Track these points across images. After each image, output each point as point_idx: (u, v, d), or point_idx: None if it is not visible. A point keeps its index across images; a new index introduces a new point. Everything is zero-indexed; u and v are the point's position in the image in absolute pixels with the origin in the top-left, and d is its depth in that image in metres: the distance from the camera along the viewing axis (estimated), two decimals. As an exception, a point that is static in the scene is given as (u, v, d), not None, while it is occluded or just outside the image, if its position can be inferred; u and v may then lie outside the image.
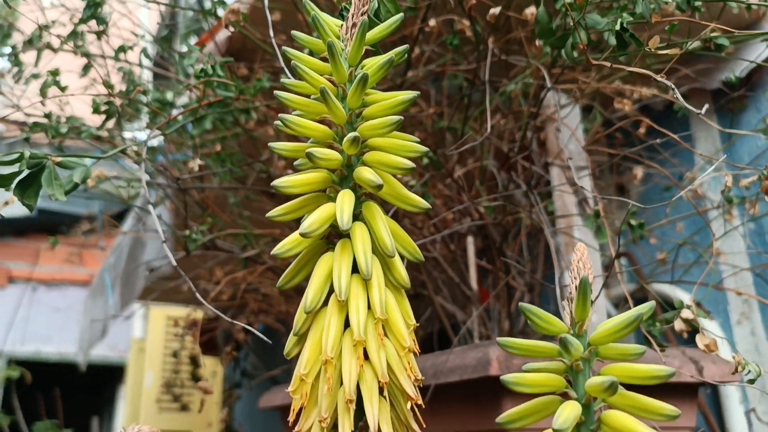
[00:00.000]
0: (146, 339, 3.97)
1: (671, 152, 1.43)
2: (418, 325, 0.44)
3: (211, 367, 3.37)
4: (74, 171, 0.66)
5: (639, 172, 1.26)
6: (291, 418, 0.43)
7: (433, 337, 1.49)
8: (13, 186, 0.57)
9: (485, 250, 1.30)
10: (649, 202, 1.50)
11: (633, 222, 0.90)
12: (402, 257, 0.46)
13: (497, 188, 1.18)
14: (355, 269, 0.44)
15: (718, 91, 1.42)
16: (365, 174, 0.44)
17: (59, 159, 0.65)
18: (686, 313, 0.76)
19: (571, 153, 1.09)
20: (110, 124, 1.03)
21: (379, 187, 0.43)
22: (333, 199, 0.45)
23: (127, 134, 1.28)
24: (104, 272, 2.27)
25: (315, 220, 0.43)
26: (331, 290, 0.44)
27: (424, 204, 0.46)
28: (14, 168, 0.59)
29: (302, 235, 0.43)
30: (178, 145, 1.39)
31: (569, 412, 0.38)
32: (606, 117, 1.35)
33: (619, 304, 1.48)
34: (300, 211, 0.45)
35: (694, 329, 0.78)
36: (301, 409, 0.43)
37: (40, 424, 3.42)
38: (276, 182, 0.45)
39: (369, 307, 0.43)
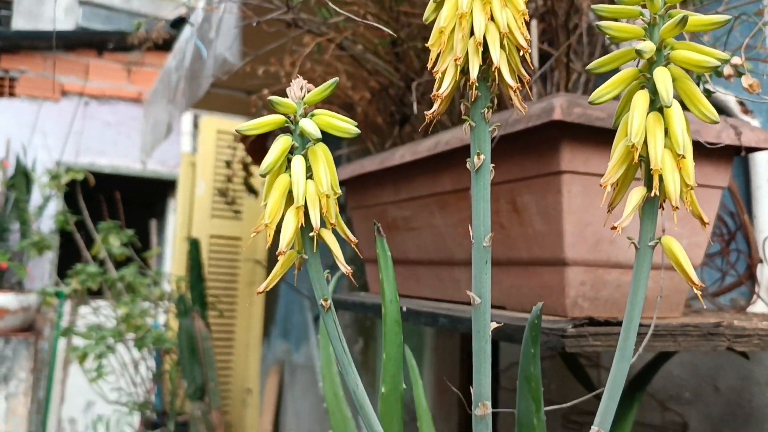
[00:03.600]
0: (197, 152, 4.18)
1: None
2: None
3: (262, 176, 3.57)
4: None
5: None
6: (429, 64, 0.57)
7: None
8: None
9: (547, 33, 1.40)
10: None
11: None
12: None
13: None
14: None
15: None
16: None
17: None
18: (735, 60, 0.88)
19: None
20: None
21: None
22: None
23: None
24: (193, 38, 2.33)
25: None
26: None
27: None
28: None
29: None
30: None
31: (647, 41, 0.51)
32: None
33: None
34: None
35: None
36: (437, 57, 0.57)
37: (104, 223, 3.71)
38: None
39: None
